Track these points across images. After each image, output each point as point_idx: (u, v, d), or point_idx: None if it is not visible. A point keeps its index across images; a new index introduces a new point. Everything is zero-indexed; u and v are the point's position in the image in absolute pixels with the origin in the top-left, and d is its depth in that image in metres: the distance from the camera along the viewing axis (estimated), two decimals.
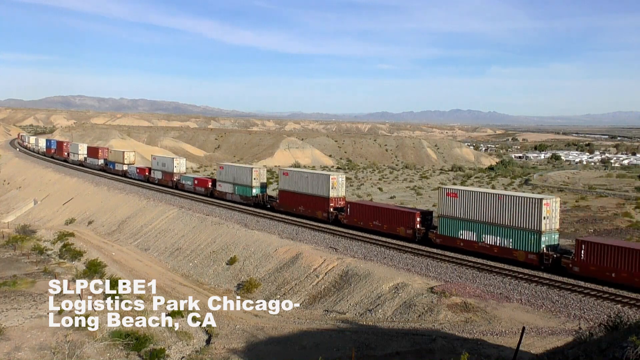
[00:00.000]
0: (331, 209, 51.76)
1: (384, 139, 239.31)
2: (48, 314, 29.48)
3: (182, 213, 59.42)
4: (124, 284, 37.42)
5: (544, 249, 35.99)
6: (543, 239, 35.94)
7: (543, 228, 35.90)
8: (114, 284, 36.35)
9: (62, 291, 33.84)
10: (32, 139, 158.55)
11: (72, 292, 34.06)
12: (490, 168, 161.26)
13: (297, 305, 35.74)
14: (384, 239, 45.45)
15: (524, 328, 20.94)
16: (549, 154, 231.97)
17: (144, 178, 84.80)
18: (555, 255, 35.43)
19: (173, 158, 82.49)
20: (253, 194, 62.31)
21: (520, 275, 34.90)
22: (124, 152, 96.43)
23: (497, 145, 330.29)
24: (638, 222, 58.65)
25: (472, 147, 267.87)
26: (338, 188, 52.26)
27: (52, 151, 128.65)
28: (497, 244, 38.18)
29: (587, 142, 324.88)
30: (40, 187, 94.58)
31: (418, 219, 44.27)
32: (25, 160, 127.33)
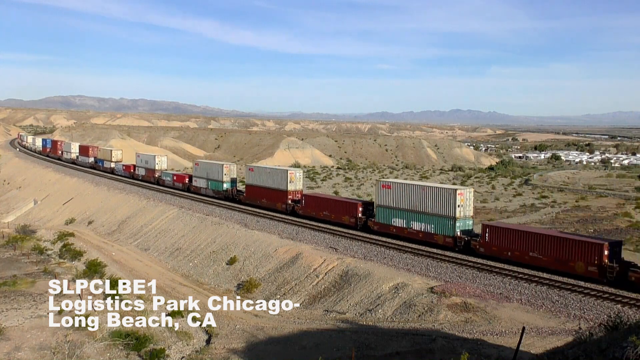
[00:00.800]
0: (289, 201, 56.67)
1: (384, 139, 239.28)
2: (48, 314, 29.47)
3: (182, 213, 59.42)
4: (124, 284, 37.44)
5: (458, 233, 41.11)
6: (458, 224, 41.22)
7: (457, 215, 41.16)
8: (114, 284, 36.35)
9: (62, 291, 33.84)
10: (30, 138, 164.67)
11: (72, 292, 34.06)
12: (490, 168, 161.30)
13: (297, 305, 35.79)
14: (331, 226, 50.54)
15: (524, 328, 20.94)
16: (549, 154, 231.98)
17: (129, 175, 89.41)
18: (466, 238, 40.67)
19: (155, 155, 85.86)
20: (224, 189, 67.08)
21: (520, 276, 34.92)
22: (111, 150, 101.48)
23: (497, 145, 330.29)
24: (638, 222, 58.71)
25: (472, 147, 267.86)
26: (296, 182, 57.34)
27: (48, 150, 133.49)
28: (422, 230, 43.52)
29: (587, 142, 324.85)
30: (40, 187, 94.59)
31: (360, 209, 49.26)
32: (25, 160, 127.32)
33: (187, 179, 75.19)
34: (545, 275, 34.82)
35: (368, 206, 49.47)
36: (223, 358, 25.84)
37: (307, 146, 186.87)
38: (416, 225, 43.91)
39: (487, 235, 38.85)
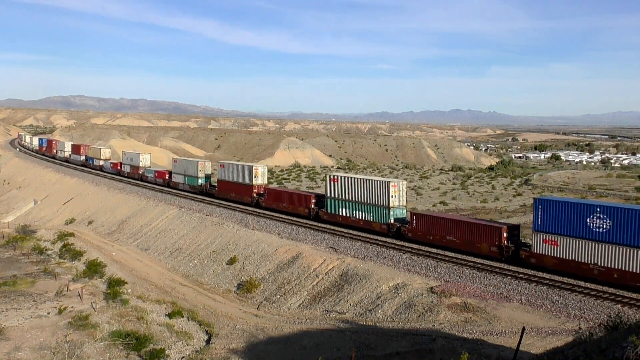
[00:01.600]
0: (254, 194, 62.08)
1: (384, 139, 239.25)
2: (48, 314, 29.50)
3: (182, 213, 59.42)
4: (124, 284, 37.54)
5: (392, 220, 46.03)
6: (392, 213, 46.24)
7: (392, 204, 46.14)
8: (113, 284, 36.42)
9: (62, 291, 33.88)
10: (28, 138, 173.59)
11: (72, 292, 34.08)
12: (490, 168, 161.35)
13: (297, 305, 35.80)
14: (289, 217, 56.46)
15: (524, 328, 20.93)
16: (549, 154, 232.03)
17: (116, 172, 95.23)
18: (398, 225, 45.51)
19: (139, 153, 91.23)
20: (199, 184, 72.77)
21: (520, 276, 34.94)
22: (100, 148, 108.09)
23: (497, 145, 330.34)
24: None
25: (472, 147, 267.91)
26: (260, 177, 62.97)
27: (44, 149, 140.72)
28: (363, 218, 48.46)
29: (587, 142, 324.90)
30: (40, 187, 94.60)
31: (313, 201, 54.57)
32: (25, 160, 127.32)
33: (167, 175, 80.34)
34: (545, 275, 34.86)
35: (320, 198, 54.29)
36: (223, 358, 25.82)
37: (307, 146, 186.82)
38: (358, 215, 48.93)
39: (414, 222, 43.90)
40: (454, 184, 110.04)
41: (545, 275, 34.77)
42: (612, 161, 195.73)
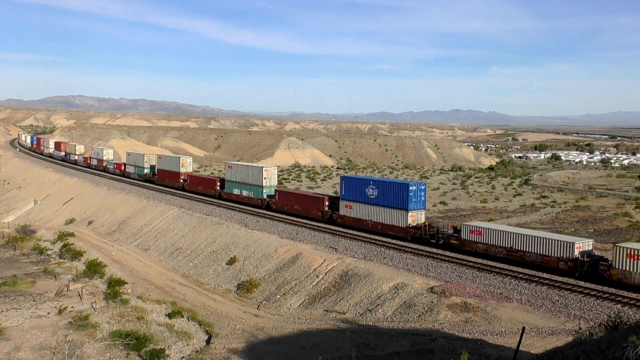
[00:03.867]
0: (181, 180, 77.12)
1: (384, 139, 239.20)
2: (48, 314, 29.50)
3: (182, 213, 59.41)
4: (124, 284, 37.54)
5: (265, 196, 61.38)
6: (264, 191, 61.57)
7: (264, 184, 61.61)
8: (113, 284, 36.43)
9: (62, 291, 33.89)
10: (24, 137, 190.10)
11: (72, 292, 34.08)
12: (490, 168, 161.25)
13: (297, 305, 35.78)
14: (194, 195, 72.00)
15: (523, 328, 20.94)
16: (549, 154, 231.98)
17: (87, 165, 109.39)
18: (268, 200, 60.67)
19: (103, 149, 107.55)
20: (144, 173, 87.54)
21: (520, 276, 34.94)
22: (75, 145, 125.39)
23: (497, 145, 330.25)
24: (638, 222, 58.65)
25: (472, 147, 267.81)
26: (187, 166, 78.55)
27: (34, 146, 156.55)
28: (247, 196, 63.93)
29: (587, 142, 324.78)
30: (40, 187, 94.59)
31: (218, 184, 69.85)
32: (25, 160, 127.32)
33: (122, 166, 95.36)
34: (545, 275, 34.87)
35: (223, 182, 68.76)
36: (223, 358, 25.81)
37: (307, 146, 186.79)
38: (245, 193, 64.35)
39: (276, 197, 59.97)
40: (453, 184, 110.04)
41: (545, 275, 34.82)
42: (612, 161, 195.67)
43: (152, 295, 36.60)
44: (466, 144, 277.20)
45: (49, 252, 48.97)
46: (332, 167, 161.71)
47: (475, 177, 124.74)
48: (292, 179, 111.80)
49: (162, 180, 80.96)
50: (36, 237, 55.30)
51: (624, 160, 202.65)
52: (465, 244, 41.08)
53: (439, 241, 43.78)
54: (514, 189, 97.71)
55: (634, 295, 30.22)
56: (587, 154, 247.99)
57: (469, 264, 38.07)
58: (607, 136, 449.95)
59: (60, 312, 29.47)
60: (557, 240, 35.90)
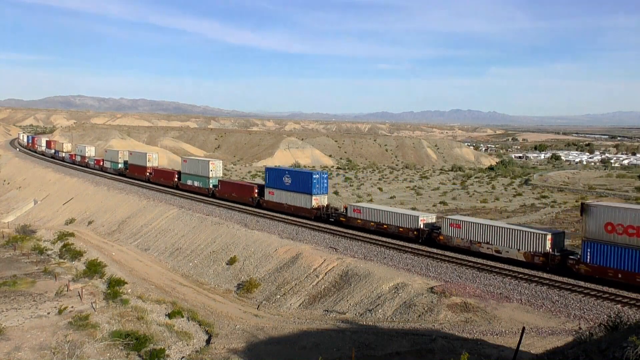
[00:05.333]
0: (147, 173, 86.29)
1: (384, 139, 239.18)
2: (48, 314, 29.50)
3: (182, 213, 59.40)
4: (124, 284, 37.53)
5: (211, 186, 71.16)
6: (210, 181, 71.62)
7: (210, 176, 71.71)
8: (113, 284, 36.42)
9: (62, 291, 33.88)
10: (22, 136, 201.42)
11: (72, 292, 34.07)
12: (490, 168, 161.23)
13: (297, 305, 35.77)
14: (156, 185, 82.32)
15: (523, 328, 20.93)
16: (549, 154, 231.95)
17: (72, 161, 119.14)
18: (213, 189, 70.53)
19: (85, 146, 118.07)
20: (118, 167, 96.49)
21: (520, 275, 34.94)
22: (63, 143, 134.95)
23: (497, 145, 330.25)
24: None
25: (472, 147, 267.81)
26: (152, 161, 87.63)
27: (30, 145, 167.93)
28: (197, 186, 73.64)
29: (587, 142, 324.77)
30: (40, 187, 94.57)
31: (175, 177, 79.43)
32: (25, 160, 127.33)
33: (101, 162, 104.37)
34: (545, 275, 34.88)
35: (180, 174, 78.20)
36: (223, 358, 25.80)
37: (307, 146, 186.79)
38: (196, 183, 74.04)
39: (220, 186, 69.85)
40: (453, 184, 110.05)
41: (545, 275, 34.84)
42: (612, 161, 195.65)
43: (152, 295, 36.60)
44: (466, 144, 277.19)
45: (49, 252, 48.95)
46: (332, 167, 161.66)
47: (475, 177, 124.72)
48: None
49: (132, 173, 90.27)
50: (36, 237, 55.28)
51: (624, 160, 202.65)
52: (350, 220, 50.71)
53: (332, 219, 53.22)
54: (514, 189, 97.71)
55: (634, 295, 30.24)
56: (587, 154, 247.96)
57: (469, 264, 38.08)
58: (607, 136, 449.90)
59: (60, 312, 29.47)
60: (408, 215, 46.26)
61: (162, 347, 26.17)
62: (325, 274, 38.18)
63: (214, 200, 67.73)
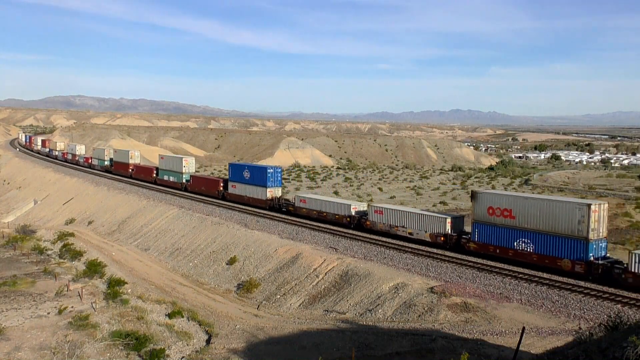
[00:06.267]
0: (130, 169, 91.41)
1: (384, 139, 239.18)
2: (48, 314, 29.50)
3: (182, 213, 59.40)
4: (124, 284, 37.52)
5: (184, 181, 76.48)
6: (183, 176, 76.93)
7: (183, 171, 77.10)
8: (113, 284, 36.41)
9: (62, 291, 33.87)
10: (22, 136, 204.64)
11: (72, 292, 34.07)
12: (490, 168, 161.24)
13: (297, 305, 35.76)
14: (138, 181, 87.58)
15: (523, 328, 20.93)
16: (549, 154, 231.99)
17: (64, 159, 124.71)
18: (186, 184, 75.68)
19: (76, 145, 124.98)
20: (105, 164, 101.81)
21: (520, 275, 34.95)
22: (57, 142, 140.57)
23: (497, 145, 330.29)
24: (638, 222, 58.65)
25: (472, 147, 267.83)
26: (135, 158, 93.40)
27: (27, 144, 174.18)
28: (172, 180, 79.11)
29: (587, 142, 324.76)
30: (40, 187, 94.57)
31: (155, 172, 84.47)
32: (25, 160, 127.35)
33: (90, 160, 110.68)
34: (545, 275, 34.90)
35: (157, 170, 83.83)
36: (223, 358, 25.80)
37: (307, 146, 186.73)
38: (171, 178, 79.49)
39: (191, 181, 75.24)
40: (453, 184, 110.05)
41: (545, 275, 34.84)
42: (612, 161, 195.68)
43: (152, 295, 36.59)
44: (466, 144, 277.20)
45: (49, 252, 48.94)
46: (332, 167, 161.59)
47: (475, 177, 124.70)
48: (292, 179, 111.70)
49: (117, 170, 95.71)
50: (36, 237, 55.28)
51: (624, 160, 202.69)
52: (297, 210, 56.46)
53: (284, 209, 58.53)
54: (514, 189, 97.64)
55: (634, 295, 30.25)
56: (587, 154, 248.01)
57: (469, 264, 38.10)
58: (607, 136, 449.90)
59: (60, 312, 29.46)
60: (342, 204, 52.43)
61: (162, 347, 26.17)
62: (325, 274, 38.19)
63: (186, 193, 73.32)
